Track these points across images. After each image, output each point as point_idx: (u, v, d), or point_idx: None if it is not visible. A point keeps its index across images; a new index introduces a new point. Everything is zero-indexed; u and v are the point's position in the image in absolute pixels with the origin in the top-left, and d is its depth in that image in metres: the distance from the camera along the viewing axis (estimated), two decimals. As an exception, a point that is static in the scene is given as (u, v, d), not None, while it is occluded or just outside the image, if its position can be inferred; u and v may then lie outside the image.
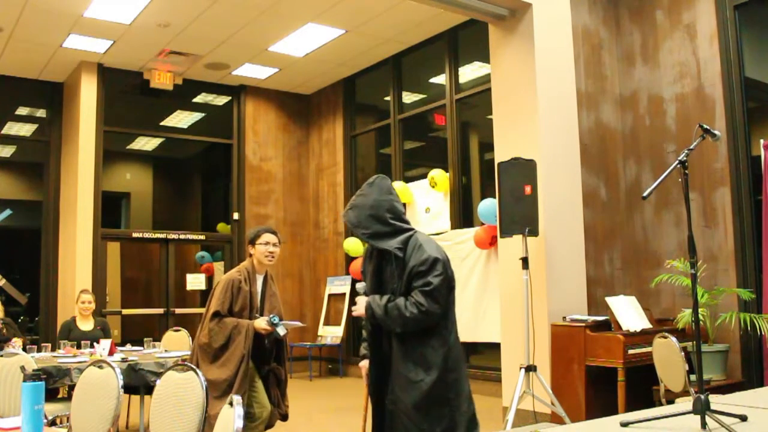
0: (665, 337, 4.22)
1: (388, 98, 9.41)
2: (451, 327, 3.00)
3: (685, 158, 2.82)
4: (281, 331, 4.11)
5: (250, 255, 4.35)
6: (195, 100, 10.35)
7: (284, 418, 4.40)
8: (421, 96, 9.31)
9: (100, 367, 3.17)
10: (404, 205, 3.26)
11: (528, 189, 5.33)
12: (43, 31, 7.93)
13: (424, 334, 2.92)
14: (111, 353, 5.38)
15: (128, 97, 9.90)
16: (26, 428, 2.25)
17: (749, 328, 5.18)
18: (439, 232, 8.20)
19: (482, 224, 7.34)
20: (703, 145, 3.41)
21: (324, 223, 10.38)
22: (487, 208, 7.00)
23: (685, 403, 2.99)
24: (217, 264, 10.62)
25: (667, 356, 4.21)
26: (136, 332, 9.08)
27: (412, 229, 3.05)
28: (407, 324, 2.88)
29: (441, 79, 8.67)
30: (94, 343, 5.61)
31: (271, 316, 4.14)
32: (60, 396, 5.28)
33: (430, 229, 8.34)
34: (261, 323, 4.12)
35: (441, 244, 8.67)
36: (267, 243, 4.30)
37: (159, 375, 4.32)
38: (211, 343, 4.11)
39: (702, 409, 2.50)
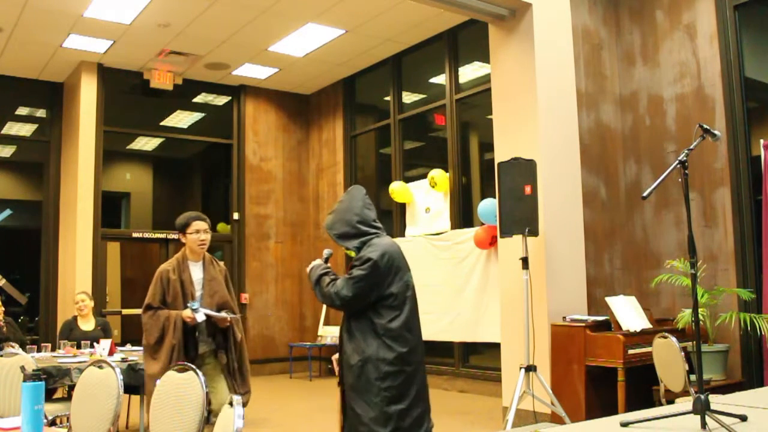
0: (665, 337, 4.22)
1: (388, 98, 9.41)
2: (391, 325, 3.22)
3: (685, 158, 2.82)
4: (199, 317, 4.09)
5: (183, 243, 4.35)
6: (195, 100, 10.34)
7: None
8: (421, 96, 9.31)
9: (100, 367, 3.18)
10: (375, 210, 3.51)
11: (528, 189, 5.33)
12: (43, 31, 7.92)
13: (360, 323, 3.26)
14: (111, 353, 5.39)
15: (128, 97, 9.89)
16: (26, 428, 2.25)
17: (749, 328, 5.18)
18: (439, 232, 8.20)
19: (482, 224, 7.34)
20: (703, 145, 3.41)
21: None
22: (487, 208, 7.00)
23: (685, 403, 2.99)
24: (217, 264, 10.61)
25: (667, 356, 4.21)
26: (136, 332, 9.04)
27: (376, 233, 3.38)
28: (321, 295, 3.37)
29: (441, 79, 8.67)
30: (94, 343, 5.62)
31: (190, 302, 4.13)
32: (60, 396, 5.28)
33: (430, 229, 8.34)
34: (186, 312, 4.12)
35: (441, 244, 8.66)
36: (197, 231, 4.33)
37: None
38: (149, 339, 4.15)
39: (702, 409, 2.51)
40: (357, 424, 3.22)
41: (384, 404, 3.15)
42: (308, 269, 3.51)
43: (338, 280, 3.31)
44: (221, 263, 4.53)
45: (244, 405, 4.30)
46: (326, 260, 3.55)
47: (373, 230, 3.38)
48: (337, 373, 3.47)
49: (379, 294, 3.23)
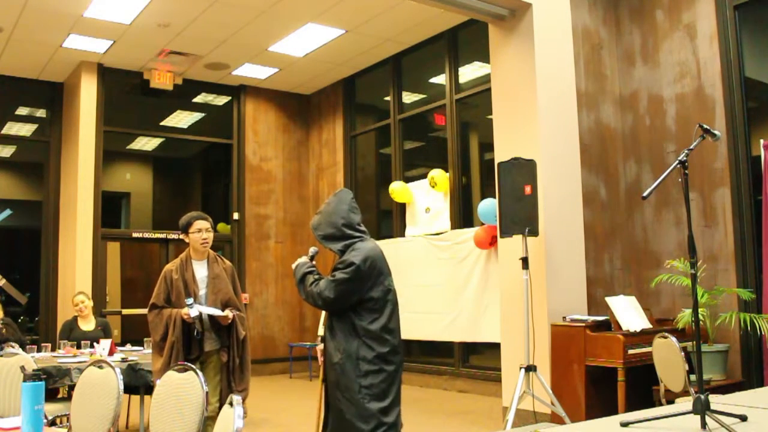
0: (665, 337, 4.22)
1: (388, 98, 9.41)
2: (371, 327, 3.33)
3: (685, 158, 2.82)
4: (193, 312, 4.12)
5: (187, 243, 4.40)
6: (195, 100, 10.34)
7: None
8: (421, 96, 9.31)
9: (100, 367, 3.18)
10: (359, 215, 3.59)
11: (528, 189, 5.34)
12: (43, 31, 7.92)
13: (342, 323, 3.36)
14: (111, 353, 5.39)
15: (128, 97, 9.89)
16: (26, 428, 2.26)
17: (749, 328, 5.18)
18: (439, 232, 8.20)
19: (482, 224, 7.34)
20: (703, 145, 3.41)
21: (324, 223, 10.35)
22: (487, 208, 7.00)
23: (685, 403, 2.99)
24: (217, 264, 10.60)
25: (667, 356, 4.21)
26: (136, 332, 9.07)
27: (360, 237, 3.47)
28: (304, 293, 3.46)
29: (441, 79, 8.67)
30: (94, 343, 5.62)
31: (187, 299, 4.16)
32: (60, 396, 5.28)
33: (430, 229, 8.34)
34: (184, 309, 4.17)
35: (441, 244, 8.65)
36: (200, 230, 4.36)
37: (159, 375, 4.33)
38: (155, 337, 4.23)
39: (702, 409, 2.51)
40: (339, 420, 3.31)
41: (366, 401, 3.25)
42: (293, 266, 3.61)
43: (322, 280, 3.42)
44: (227, 261, 4.54)
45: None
46: (312, 258, 3.65)
47: (358, 234, 3.48)
48: (320, 363, 3.58)
49: (361, 297, 3.35)
